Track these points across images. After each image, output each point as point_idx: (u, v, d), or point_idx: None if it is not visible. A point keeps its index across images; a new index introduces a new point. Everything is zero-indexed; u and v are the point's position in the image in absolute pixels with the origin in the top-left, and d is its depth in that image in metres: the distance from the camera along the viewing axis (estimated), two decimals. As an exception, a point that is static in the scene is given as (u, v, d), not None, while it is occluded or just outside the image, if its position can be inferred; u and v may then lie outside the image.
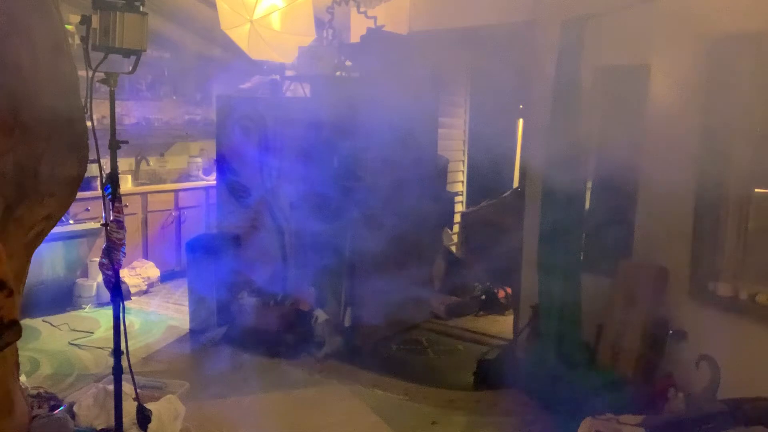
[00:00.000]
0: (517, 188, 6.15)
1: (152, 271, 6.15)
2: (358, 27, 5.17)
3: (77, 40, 4.58)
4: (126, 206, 3.17)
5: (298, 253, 4.98)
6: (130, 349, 2.85)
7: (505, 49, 4.78)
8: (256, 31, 4.66)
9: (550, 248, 4.01)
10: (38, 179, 2.21)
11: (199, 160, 7.16)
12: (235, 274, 5.06)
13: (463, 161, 6.85)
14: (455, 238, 6.68)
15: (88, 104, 2.56)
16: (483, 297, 5.83)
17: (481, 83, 6.55)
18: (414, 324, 5.36)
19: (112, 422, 3.00)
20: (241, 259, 5.13)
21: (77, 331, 5.01)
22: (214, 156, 5.65)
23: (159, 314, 5.54)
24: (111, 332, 2.89)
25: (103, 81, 2.71)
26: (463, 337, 5.21)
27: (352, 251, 4.81)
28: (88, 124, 2.60)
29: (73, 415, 3.20)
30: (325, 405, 3.99)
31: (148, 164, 6.79)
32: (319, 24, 5.12)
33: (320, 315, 4.76)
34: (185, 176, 7.02)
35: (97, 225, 5.41)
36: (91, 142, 2.52)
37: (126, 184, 6.01)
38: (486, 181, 6.33)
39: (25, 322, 4.08)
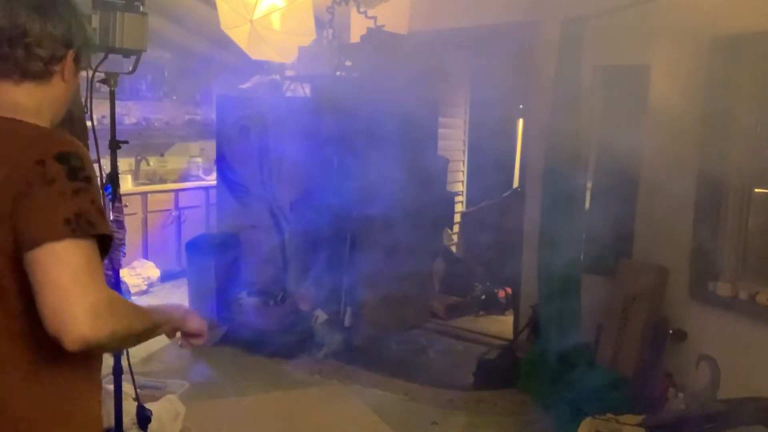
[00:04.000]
0: (517, 188, 6.16)
1: (152, 271, 6.15)
2: (358, 27, 5.16)
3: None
4: (126, 206, 3.17)
5: (297, 253, 4.98)
6: (130, 349, 2.85)
7: (505, 49, 4.78)
8: (256, 31, 4.65)
9: (550, 248, 4.01)
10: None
11: (199, 160, 7.15)
12: (235, 274, 5.06)
13: (463, 161, 6.85)
14: (455, 238, 6.68)
15: (88, 104, 2.56)
16: (483, 297, 5.83)
17: (481, 83, 6.54)
18: (414, 324, 5.36)
19: (112, 422, 2.99)
20: (241, 259, 5.13)
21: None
22: (214, 156, 5.65)
23: (159, 314, 5.53)
24: (111, 332, 2.88)
25: (103, 81, 2.71)
26: (463, 337, 5.20)
27: (352, 251, 4.81)
28: (89, 123, 2.60)
29: (73, 415, 3.19)
30: (325, 405, 3.99)
31: (148, 164, 6.79)
32: (319, 24, 5.11)
33: (320, 315, 4.76)
34: (185, 176, 7.02)
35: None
36: (91, 142, 2.52)
37: (126, 184, 6.01)
38: (486, 181, 6.32)
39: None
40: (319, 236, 4.81)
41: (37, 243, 1.13)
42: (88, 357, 1.30)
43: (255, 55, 4.95)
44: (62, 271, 1.13)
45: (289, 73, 5.62)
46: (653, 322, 3.75)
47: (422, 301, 5.50)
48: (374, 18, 4.92)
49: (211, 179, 6.53)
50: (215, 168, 5.56)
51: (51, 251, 1.13)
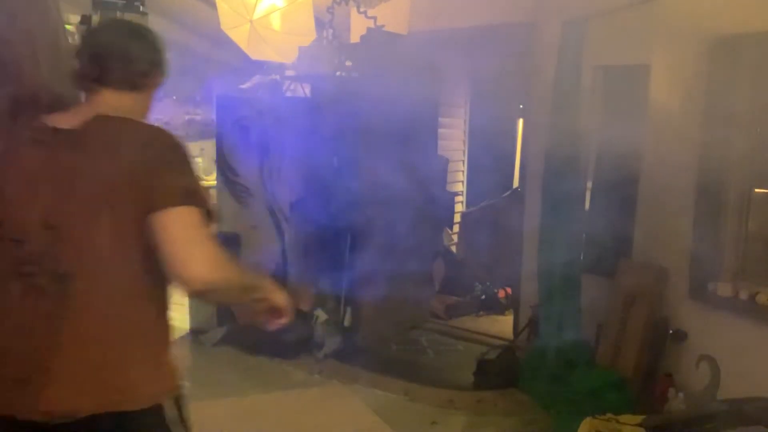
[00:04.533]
0: (517, 188, 6.16)
1: (152, 271, 6.13)
2: (358, 27, 5.16)
3: (77, 40, 4.56)
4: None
5: (297, 253, 4.97)
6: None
7: (505, 49, 4.78)
8: (256, 31, 4.65)
9: (550, 248, 4.01)
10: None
11: (199, 160, 7.15)
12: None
13: (463, 161, 6.85)
14: (455, 238, 6.68)
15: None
16: (483, 297, 5.83)
17: (481, 83, 6.54)
18: (414, 324, 5.36)
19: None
20: (241, 259, 5.13)
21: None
22: (214, 156, 5.65)
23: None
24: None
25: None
26: (463, 337, 5.21)
27: (351, 251, 4.80)
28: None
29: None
30: (325, 405, 3.99)
31: (149, 164, 6.78)
32: (319, 24, 5.10)
33: (320, 315, 4.76)
34: (185, 176, 7.01)
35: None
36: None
37: (126, 184, 5.98)
38: (486, 181, 6.32)
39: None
40: (319, 236, 4.81)
41: (159, 208, 1.45)
42: (168, 318, 1.69)
43: (255, 55, 4.95)
44: (182, 228, 1.45)
45: (289, 73, 5.61)
46: (653, 322, 3.75)
47: (422, 301, 5.50)
48: (374, 18, 4.92)
49: (211, 179, 6.52)
50: (215, 168, 5.56)
51: (172, 213, 1.45)
